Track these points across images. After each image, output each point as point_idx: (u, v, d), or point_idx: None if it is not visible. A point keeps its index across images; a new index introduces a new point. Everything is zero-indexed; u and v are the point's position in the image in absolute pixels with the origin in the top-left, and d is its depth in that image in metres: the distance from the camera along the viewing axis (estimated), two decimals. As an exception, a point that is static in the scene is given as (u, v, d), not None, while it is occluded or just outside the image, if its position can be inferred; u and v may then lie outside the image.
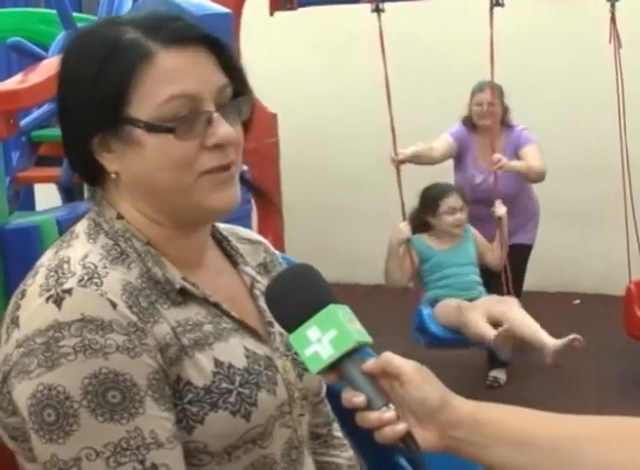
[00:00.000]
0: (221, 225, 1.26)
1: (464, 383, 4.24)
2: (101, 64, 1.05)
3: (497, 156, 4.27)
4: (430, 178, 4.50)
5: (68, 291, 1.01)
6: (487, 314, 3.99)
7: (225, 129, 1.06)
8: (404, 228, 4.13)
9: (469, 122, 4.53)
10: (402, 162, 4.33)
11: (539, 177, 4.44)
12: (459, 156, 4.59)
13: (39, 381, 0.98)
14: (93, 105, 1.05)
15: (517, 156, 4.49)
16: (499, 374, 4.54)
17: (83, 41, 1.09)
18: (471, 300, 4.07)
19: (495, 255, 4.23)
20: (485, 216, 4.45)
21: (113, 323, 1.00)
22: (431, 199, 4.18)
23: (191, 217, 1.11)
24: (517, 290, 4.54)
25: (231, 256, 1.23)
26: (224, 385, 1.06)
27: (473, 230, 4.28)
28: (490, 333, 3.83)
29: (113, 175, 1.09)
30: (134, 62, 1.04)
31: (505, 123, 4.52)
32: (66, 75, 1.10)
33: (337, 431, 1.35)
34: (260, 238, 1.34)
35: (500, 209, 4.20)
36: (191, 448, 1.05)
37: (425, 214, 4.22)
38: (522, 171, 4.39)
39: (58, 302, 1.00)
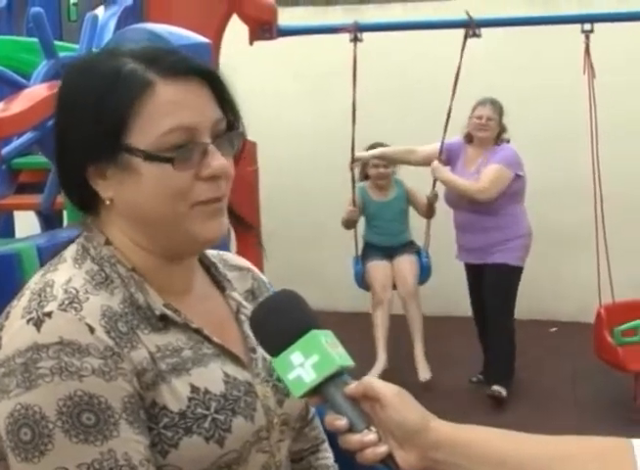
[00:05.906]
0: (210, 251, 1.28)
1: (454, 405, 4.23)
2: (102, 93, 1.07)
3: (435, 163, 4.68)
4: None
5: (49, 314, 1.02)
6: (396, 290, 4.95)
7: (220, 161, 1.09)
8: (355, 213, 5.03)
9: (467, 134, 4.77)
10: (358, 159, 4.96)
11: (469, 196, 4.58)
12: (450, 164, 4.83)
13: (17, 401, 1.00)
14: (93, 133, 1.07)
15: None
16: (500, 389, 4.59)
17: (83, 72, 1.11)
18: (396, 247, 5.04)
19: (423, 208, 5.05)
20: (468, 225, 4.68)
21: (89, 347, 1.01)
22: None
23: (180, 246, 1.13)
24: (506, 314, 4.61)
25: (218, 281, 1.25)
26: (199, 410, 1.07)
27: (407, 186, 5.11)
28: (380, 347, 4.84)
29: (107, 202, 1.10)
30: (135, 91, 1.06)
31: (499, 140, 4.72)
32: (65, 105, 1.11)
33: (325, 452, 1.36)
34: (248, 264, 1.35)
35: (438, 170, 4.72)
36: None
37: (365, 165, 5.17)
38: (445, 184, 4.71)
39: (38, 324, 1.02)
